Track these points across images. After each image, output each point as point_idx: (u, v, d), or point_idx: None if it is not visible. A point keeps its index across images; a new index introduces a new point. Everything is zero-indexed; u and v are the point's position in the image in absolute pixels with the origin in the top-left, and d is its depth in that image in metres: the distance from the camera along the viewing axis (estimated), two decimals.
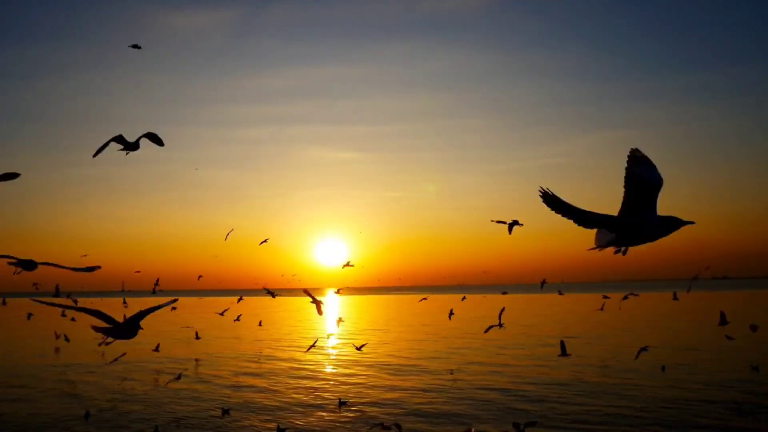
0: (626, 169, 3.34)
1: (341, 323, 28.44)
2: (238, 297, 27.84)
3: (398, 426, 9.08)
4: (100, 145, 5.15)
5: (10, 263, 4.92)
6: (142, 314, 5.00)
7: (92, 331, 5.11)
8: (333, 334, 30.36)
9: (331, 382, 16.86)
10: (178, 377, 16.07)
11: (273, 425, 11.74)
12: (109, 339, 5.19)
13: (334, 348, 26.00)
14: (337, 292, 29.83)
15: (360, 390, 15.53)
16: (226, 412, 12.46)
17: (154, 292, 17.89)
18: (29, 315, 26.59)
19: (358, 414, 12.88)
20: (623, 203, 3.26)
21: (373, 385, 16.12)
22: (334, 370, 19.26)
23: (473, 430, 7.50)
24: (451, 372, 17.74)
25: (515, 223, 8.65)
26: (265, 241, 16.07)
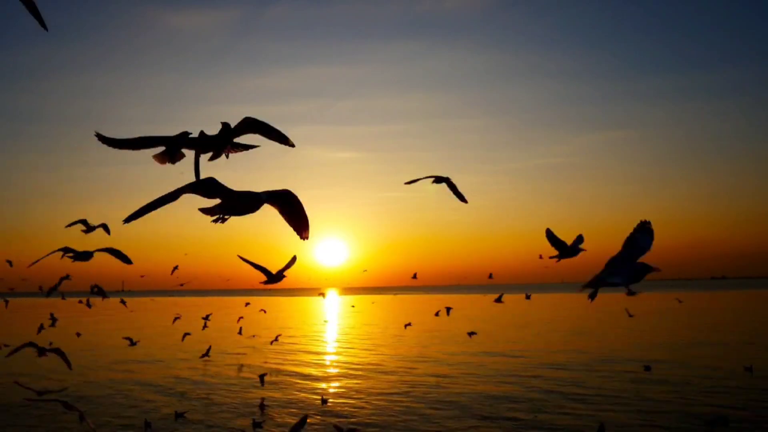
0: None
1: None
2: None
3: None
4: None
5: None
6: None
7: None
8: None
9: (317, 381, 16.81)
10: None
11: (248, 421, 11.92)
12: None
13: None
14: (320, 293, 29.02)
15: (344, 390, 15.46)
16: (180, 415, 12.31)
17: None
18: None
19: (338, 413, 12.92)
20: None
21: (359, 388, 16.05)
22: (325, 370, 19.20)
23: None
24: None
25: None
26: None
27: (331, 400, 14.25)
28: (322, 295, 28.39)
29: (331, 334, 34.62)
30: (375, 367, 19.83)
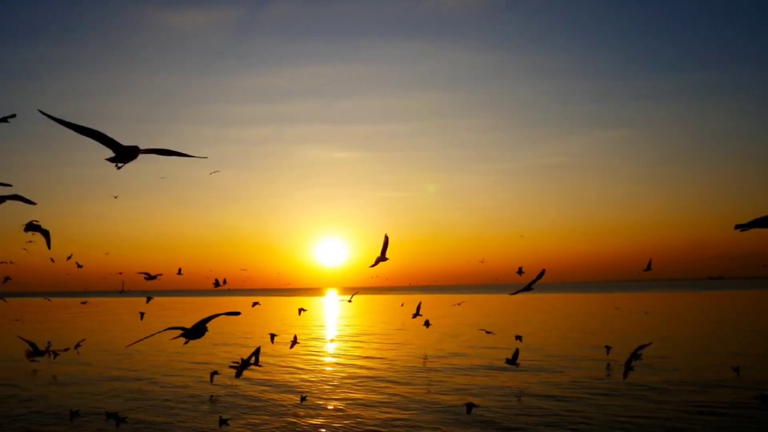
0: None
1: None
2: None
3: None
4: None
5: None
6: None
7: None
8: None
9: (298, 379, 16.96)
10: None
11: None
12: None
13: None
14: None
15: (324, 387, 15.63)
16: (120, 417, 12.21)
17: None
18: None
19: (320, 410, 13.17)
20: None
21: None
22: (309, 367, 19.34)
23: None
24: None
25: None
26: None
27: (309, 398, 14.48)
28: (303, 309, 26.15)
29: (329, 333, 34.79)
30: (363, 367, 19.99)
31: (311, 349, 25.91)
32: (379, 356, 22.61)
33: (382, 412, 12.96)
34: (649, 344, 10.05)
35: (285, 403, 14.10)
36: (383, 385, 16.33)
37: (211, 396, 14.91)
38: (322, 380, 17.41)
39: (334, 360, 22.26)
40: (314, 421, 12.35)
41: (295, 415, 12.86)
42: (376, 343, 27.88)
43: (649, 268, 13.87)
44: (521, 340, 19.13)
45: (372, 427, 11.78)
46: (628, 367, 9.03)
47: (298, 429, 11.83)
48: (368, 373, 18.50)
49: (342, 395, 15.00)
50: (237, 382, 16.34)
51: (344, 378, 17.68)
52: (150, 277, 10.33)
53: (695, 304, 60.19)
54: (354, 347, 26.46)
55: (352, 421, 12.25)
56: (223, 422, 11.42)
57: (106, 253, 17.49)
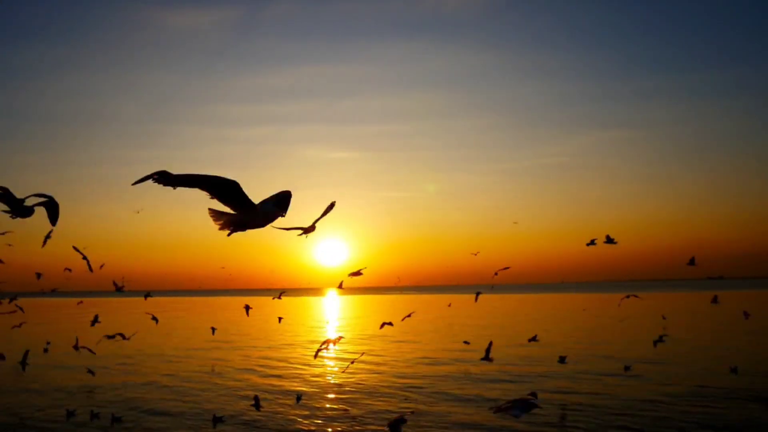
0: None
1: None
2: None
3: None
4: None
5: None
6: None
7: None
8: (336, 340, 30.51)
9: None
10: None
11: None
12: None
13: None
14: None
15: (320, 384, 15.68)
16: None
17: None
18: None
19: (314, 409, 13.18)
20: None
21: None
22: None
23: None
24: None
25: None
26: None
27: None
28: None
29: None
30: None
31: (307, 349, 25.98)
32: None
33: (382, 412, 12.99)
34: (491, 342, 12.06)
35: (281, 402, 14.15)
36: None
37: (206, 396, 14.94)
38: (320, 381, 17.47)
39: (333, 362, 22.35)
40: (311, 420, 12.40)
41: (292, 415, 12.91)
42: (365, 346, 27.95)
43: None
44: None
45: (372, 426, 11.84)
46: (487, 357, 11.72)
47: (295, 428, 11.88)
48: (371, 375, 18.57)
49: (340, 395, 15.07)
50: (237, 378, 16.36)
51: (345, 380, 17.75)
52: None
53: (693, 304, 60.23)
54: (355, 350, 26.57)
55: (350, 421, 12.30)
56: (217, 420, 11.45)
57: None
